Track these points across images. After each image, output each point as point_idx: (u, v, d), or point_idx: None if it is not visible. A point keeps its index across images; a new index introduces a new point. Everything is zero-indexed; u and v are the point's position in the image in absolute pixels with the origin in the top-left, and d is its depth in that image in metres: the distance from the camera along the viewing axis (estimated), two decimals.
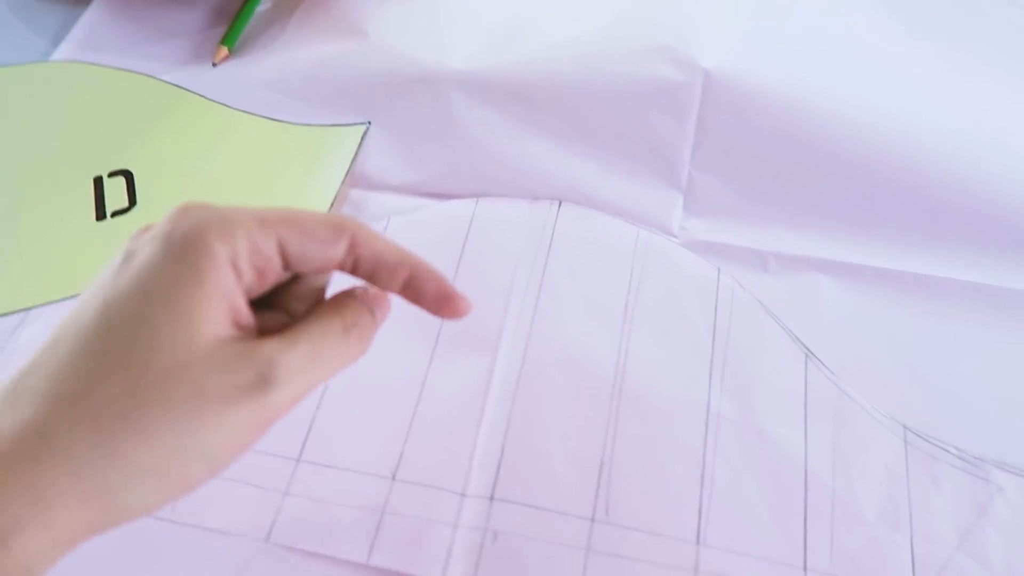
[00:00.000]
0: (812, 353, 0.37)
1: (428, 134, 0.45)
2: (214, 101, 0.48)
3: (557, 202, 0.42)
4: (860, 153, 0.42)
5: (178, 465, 0.20)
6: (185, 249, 0.20)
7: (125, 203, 0.43)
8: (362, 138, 0.45)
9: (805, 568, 0.32)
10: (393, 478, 0.33)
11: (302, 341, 0.22)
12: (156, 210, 0.43)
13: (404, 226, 0.41)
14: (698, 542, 0.32)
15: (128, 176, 0.44)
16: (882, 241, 0.41)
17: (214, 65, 0.49)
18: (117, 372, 0.19)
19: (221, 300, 0.21)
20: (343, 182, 0.43)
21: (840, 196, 0.42)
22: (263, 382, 0.21)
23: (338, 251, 0.23)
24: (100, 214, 0.43)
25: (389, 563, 0.31)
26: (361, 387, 0.36)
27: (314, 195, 0.43)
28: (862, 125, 0.42)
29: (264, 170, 0.45)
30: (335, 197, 0.43)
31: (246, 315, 0.22)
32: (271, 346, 0.21)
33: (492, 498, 0.33)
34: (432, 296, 0.24)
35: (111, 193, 0.44)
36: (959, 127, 0.43)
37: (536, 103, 0.45)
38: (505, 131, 0.44)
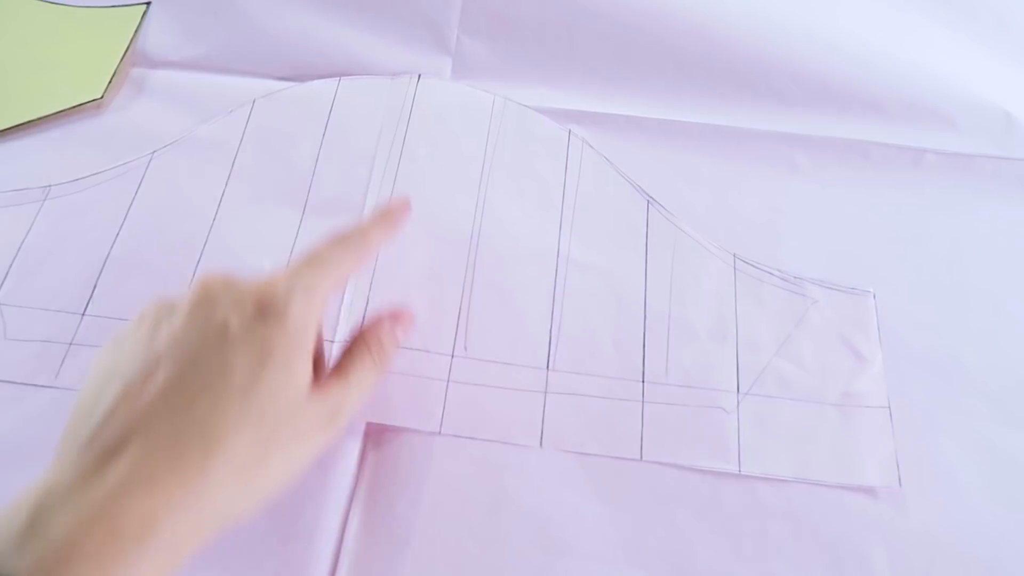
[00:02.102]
0: (653, 199, 0.40)
1: (207, 10, 0.47)
2: None
3: (416, 76, 0.44)
4: (611, 11, 0.45)
5: (279, 486, 0.27)
6: (289, 323, 0.26)
7: None
8: (142, 17, 0.47)
9: (643, 380, 0.35)
10: None
11: (352, 381, 0.29)
12: None
13: (269, 106, 0.43)
14: (548, 368, 0.36)
15: None
16: (632, 92, 0.44)
17: None
18: (248, 428, 0.25)
19: (310, 361, 0.28)
20: (121, 61, 0.45)
21: (595, 52, 0.45)
22: (333, 418, 0.28)
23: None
24: None
25: None
26: (236, 251, 0.38)
27: (91, 76, 0.45)
28: None
29: (42, 54, 0.46)
30: (112, 76, 0.44)
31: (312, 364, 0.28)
32: (335, 391, 0.28)
33: None
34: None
35: None
36: None
37: None
38: (283, 4, 0.47)
